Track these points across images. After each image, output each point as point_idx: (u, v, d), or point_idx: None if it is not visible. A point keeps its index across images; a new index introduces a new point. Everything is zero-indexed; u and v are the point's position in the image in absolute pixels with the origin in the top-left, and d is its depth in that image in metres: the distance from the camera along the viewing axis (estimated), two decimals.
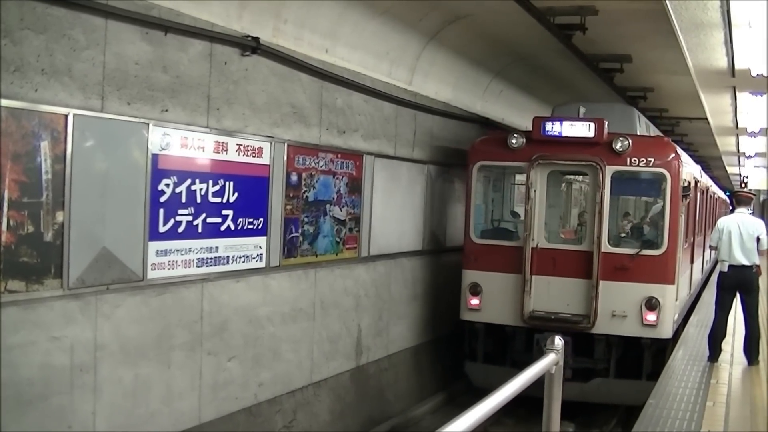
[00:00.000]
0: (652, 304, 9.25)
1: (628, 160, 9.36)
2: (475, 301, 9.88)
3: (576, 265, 9.53)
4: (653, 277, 9.39)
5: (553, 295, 9.57)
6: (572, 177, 11.56)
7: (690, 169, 11.44)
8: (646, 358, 9.40)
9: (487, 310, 9.83)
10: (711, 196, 16.78)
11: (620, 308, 9.31)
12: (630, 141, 9.34)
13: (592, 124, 9.41)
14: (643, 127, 11.69)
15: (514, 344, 9.79)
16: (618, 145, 9.29)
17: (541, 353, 8.40)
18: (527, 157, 9.63)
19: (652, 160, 9.40)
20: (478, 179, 10.33)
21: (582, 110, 10.00)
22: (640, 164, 9.41)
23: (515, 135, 9.75)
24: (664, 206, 9.63)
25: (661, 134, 13.17)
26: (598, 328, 9.36)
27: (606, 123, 9.51)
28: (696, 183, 12.10)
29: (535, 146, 9.58)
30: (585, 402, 9.45)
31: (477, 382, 9.93)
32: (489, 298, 9.82)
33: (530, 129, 9.83)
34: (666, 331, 9.44)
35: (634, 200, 12.30)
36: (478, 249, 10.06)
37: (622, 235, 10.67)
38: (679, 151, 10.12)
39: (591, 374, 9.46)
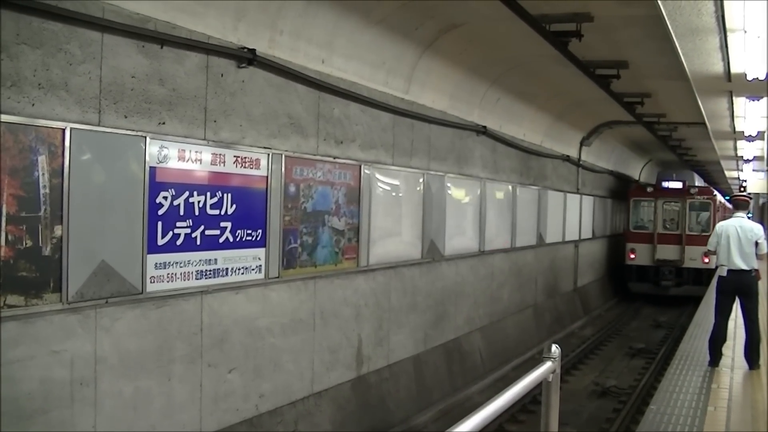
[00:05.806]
0: (707, 254, 20.33)
1: (696, 197, 23.00)
2: (632, 256, 23.35)
3: (675, 239, 22.91)
4: (707, 243, 19.61)
5: (666, 251, 22.94)
6: (671, 204, 23.54)
7: (720, 198, 26.08)
8: (704, 277, 21.48)
9: (637, 259, 23.32)
10: (724, 207, 29.85)
11: (694, 256, 22.44)
12: (697, 189, 23.31)
13: (681, 183, 23.42)
14: (697, 179, 25.89)
15: (649, 273, 23.15)
16: (692, 191, 23.02)
17: (664, 277, 24.15)
18: (654, 195, 23.45)
19: (706, 196, 23.23)
20: (632, 205, 23.86)
21: (674, 174, 24.10)
22: (701, 199, 23.10)
23: (650, 186, 24.06)
24: (710, 216, 22.86)
25: (708, 185, 27.11)
26: (685, 264, 22.72)
27: (686, 181, 23.55)
28: (720, 203, 25.55)
29: (657, 191, 23.48)
30: (676, 297, 22.68)
31: (634, 290, 23.59)
32: (638, 254, 23.32)
33: (653, 182, 24.59)
34: (712, 266, 18.39)
35: (698, 213, 24.05)
36: (633, 233, 23.61)
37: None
38: (716, 191, 25.16)
39: (682, 284, 22.66)
